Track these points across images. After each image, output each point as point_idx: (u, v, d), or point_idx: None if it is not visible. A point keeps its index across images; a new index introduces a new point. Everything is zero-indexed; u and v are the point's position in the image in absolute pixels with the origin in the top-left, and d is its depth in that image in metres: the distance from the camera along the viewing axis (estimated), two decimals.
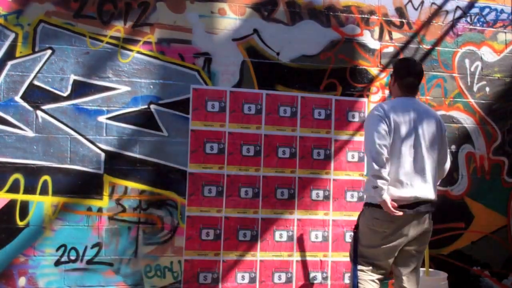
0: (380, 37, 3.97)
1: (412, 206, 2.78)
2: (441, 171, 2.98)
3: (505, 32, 4.20)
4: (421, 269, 3.80)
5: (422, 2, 4.05)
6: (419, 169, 2.81)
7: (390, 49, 3.98)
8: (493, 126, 4.13)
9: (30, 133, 3.43)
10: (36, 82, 3.45)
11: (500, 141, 4.14)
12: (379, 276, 2.87)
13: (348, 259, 3.82)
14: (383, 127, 2.74)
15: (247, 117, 3.74)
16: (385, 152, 2.71)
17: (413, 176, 2.80)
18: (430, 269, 3.82)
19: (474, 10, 4.15)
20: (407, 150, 2.80)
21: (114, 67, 3.55)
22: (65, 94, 3.49)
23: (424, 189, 2.81)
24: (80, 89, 3.50)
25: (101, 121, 3.53)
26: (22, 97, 3.42)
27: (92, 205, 3.50)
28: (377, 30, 3.96)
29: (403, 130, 2.80)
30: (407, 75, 2.92)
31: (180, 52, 3.64)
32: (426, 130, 2.85)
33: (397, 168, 2.77)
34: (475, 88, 4.12)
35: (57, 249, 3.44)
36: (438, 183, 3.08)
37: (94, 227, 3.50)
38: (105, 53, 3.54)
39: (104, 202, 3.51)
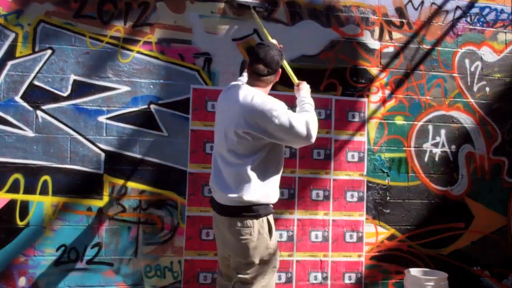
0: (380, 37, 3.97)
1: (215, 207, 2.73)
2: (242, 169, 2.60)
3: (505, 32, 4.20)
4: (419, 269, 3.81)
5: (422, 2, 4.05)
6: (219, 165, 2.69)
7: (390, 49, 3.98)
8: (493, 126, 4.13)
9: (30, 133, 3.43)
10: (36, 82, 3.45)
11: (500, 141, 4.14)
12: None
13: (348, 259, 3.84)
14: None
15: None
16: None
17: (216, 173, 2.72)
18: (430, 269, 3.83)
19: (474, 10, 4.15)
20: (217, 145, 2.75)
21: (114, 67, 3.55)
22: (65, 94, 3.49)
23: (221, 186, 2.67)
24: (80, 89, 3.50)
25: (101, 121, 3.53)
26: (22, 97, 3.42)
27: (92, 205, 3.50)
28: (377, 30, 3.96)
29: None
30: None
31: (180, 52, 3.64)
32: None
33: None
34: (475, 88, 4.13)
35: (57, 249, 3.44)
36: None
37: (94, 227, 3.50)
38: (105, 53, 3.54)
39: (104, 202, 3.51)
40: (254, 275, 2.61)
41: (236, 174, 2.57)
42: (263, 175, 2.59)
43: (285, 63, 3.02)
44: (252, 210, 2.56)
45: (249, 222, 2.56)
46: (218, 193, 2.67)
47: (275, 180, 2.68)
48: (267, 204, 2.63)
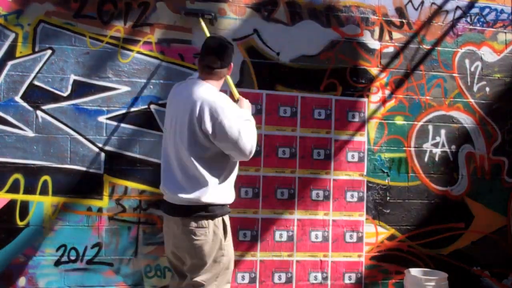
0: (380, 37, 3.97)
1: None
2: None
3: (505, 32, 4.20)
4: (419, 269, 3.81)
5: (422, 2, 4.05)
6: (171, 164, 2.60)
7: (390, 49, 3.98)
8: (493, 126, 4.13)
9: (30, 133, 3.43)
10: (36, 82, 3.44)
11: (500, 141, 4.14)
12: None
13: (348, 259, 3.84)
14: None
15: None
16: None
17: (166, 171, 2.63)
18: (430, 269, 3.83)
19: (474, 10, 4.15)
20: (166, 142, 2.66)
21: (114, 67, 3.55)
22: (65, 94, 3.49)
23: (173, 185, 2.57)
24: (80, 89, 3.50)
25: (101, 121, 3.53)
26: (22, 97, 3.42)
27: (92, 205, 3.50)
28: (377, 30, 3.96)
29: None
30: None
31: (180, 52, 3.64)
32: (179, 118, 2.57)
33: None
34: (475, 88, 4.13)
35: (57, 249, 3.44)
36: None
37: (94, 227, 3.50)
38: (105, 53, 3.54)
39: (104, 202, 3.51)
40: (208, 277, 2.53)
41: (191, 173, 2.49)
42: (219, 175, 2.53)
43: (228, 78, 2.88)
44: (207, 210, 2.49)
45: (204, 222, 2.49)
46: (169, 193, 2.57)
47: (231, 180, 2.61)
48: (223, 205, 2.58)
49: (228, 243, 2.61)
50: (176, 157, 2.56)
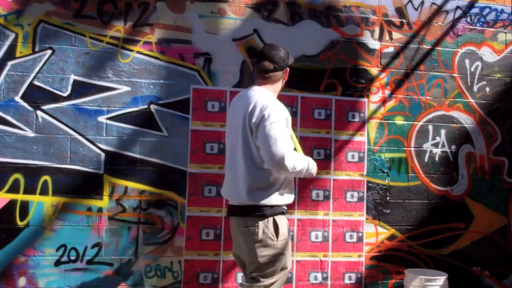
0: (380, 37, 3.97)
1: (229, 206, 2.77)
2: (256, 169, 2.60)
3: (505, 32, 4.20)
4: (419, 269, 3.81)
5: (422, 2, 4.05)
6: (230, 167, 2.73)
7: (390, 49, 3.98)
8: (493, 126, 4.13)
9: (30, 133, 3.43)
10: (36, 82, 3.45)
11: (500, 141, 4.14)
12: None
13: (348, 259, 3.84)
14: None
15: None
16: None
17: (226, 176, 2.77)
18: (430, 269, 3.83)
19: (474, 10, 4.15)
20: (227, 147, 2.77)
21: (114, 67, 3.55)
22: (65, 94, 3.49)
23: (230, 188, 2.71)
24: (80, 89, 3.50)
25: (101, 121, 3.53)
26: (22, 97, 3.42)
27: (92, 205, 3.50)
28: (377, 30, 3.96)
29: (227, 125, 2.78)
30: None
31: (180, 52, 3.64)
32: (236, 121, 2.67)
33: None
34: (475, 88, 4.13)
35: (57, 249, 3.44)
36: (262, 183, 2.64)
37: (94, 227, 3.50)
38: (105, 53, 3.54)
39: (104, 202, 3.51)
40: (262, 274, 2.63)
41: (247, 176, 2.59)
42: (274, 177, 2.62)
43: (292, 134, 2.81)
44: (258, 210, 2.58)
45: (255, 222, 2.58)
46: (230, 194, 2.73)
47: (288, 181, 2.71)
48: (277, 206, 2.64)
49: (282, 243, 2.65)
50: (232, 160, 2.67)
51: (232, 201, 2.74)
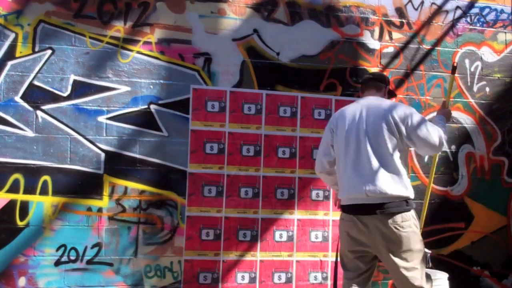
0: (380, 37, 3.97)
1: (348, 207, 2.76)
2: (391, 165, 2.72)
3: (505, 32, 4.20)
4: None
5: (422, 2, 4.05)
6: (351, 168, 2.74)
7: (390, 49, 3.98)
8: (493, 126, 4.13)
9: (30, 133, 3.43)
10: (36, 82, 3.45)
11: (500, 141, 4.14)
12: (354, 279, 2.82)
13: None
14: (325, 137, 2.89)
15: (247, 117, 3.74)
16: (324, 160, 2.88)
17: (345, 176, 2.77)
18: (430, 269, 3.82)
19: (474, 10, 4.15)
20: (341, 151, 2.78)
21: (114, 67, 3.56)
22: (65, 94, 3.49)
23: (356, 188, 2.70)
24: (80, 89, 3.51)
25: (101, 121, 3.53)
26: (22, 97, 3.42)
27: (92, 205, 3.50)
28: (377, 30, 3.96)
29: (340, 131, 2.80)
30: None
31: (180, 52, 3.64)
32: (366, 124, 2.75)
33: (338, 170, 2.84)
34: (475, 88, 4.13)
35: (57, 249, 3.44)
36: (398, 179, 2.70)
37: (94, 227, 3.50)
38: (105, 53, 3.55)
39: (104, 202, 3.51)
40: (417, 261, 2.73)
41: (390, 172, 2.68)
42: (406, 172, 2.75)
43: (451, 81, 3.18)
44: (408, 204, 2.71)
45: (407, 215, 2.70)
46: (368, 194, 2.67)
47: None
48: (412, 199, 2.79)
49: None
50: (367, 160, 2.69)
51: (371, 200, 2.71)
